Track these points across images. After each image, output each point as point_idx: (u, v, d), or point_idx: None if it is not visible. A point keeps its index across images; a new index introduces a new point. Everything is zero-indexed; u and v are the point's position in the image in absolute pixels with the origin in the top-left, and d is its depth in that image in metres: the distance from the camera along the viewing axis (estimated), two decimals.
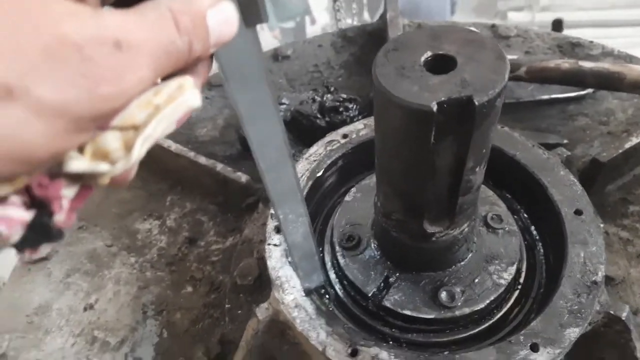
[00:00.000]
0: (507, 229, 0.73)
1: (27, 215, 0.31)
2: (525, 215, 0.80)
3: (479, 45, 0.52)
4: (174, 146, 1.10)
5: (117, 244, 1.09)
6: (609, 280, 0.79)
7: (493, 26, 1.34)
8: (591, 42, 1.22)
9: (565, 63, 1.03)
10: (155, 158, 1.14)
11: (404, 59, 0.53)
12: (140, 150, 0.33)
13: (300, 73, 1.39)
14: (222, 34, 0.35)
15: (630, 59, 1.18)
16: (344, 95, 1.11)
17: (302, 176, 0.84)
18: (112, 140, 0.32)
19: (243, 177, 1.01)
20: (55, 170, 0.33)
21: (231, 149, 1.22)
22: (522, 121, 1.12)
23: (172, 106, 0.33)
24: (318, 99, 1.13)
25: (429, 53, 0.52)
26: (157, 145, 1.11)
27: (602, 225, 0.88)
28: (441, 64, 0.51)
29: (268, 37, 6.22)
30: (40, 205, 0.34)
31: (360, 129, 0.90)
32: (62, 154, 0.31)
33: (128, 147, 0.32)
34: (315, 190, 0.85)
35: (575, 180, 0.73)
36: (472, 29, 0.54)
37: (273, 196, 0.51)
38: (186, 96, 0.34)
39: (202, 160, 1.07)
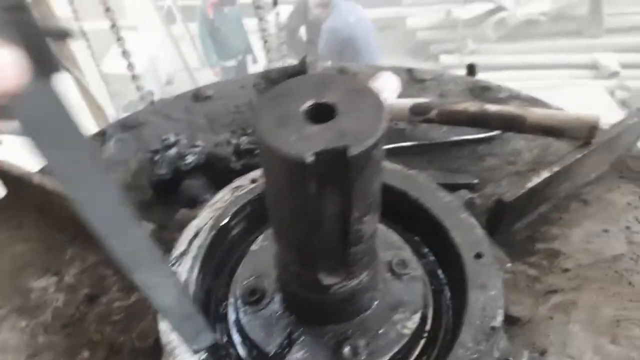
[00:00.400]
0: (412, 274, 0.71)
1: None
2: (433, 258, 0.79)
3: (361, 94, 0.52)
4: None
5: (7, 305, 0.97)
6: (515, 320, 0.79)
7: (409, 70, 1.39)
8: (499, 85, 1.29)
9: (473, 106, 1.07)
10: (55, 206, 1.05)
11: (286, 107, 0.51)
12: None
13: (222, 114, 1.36)
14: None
15: (534, 101, 1.26)
16: None
17: (205, 225, 0.79)
18: None
19: (148, 226, 0.94)
20: None
21: (143, 195, 1.15)
22: (435, 162, 1.15)
23: None
24: (234, 141, 1.10)
25: (311, 102, 0.50)
26: (56, 192, 1.02)
27: (509, 265, 0.89)
28: (322, 113, 0.50)
29: (209, 75, 6.22)
30: None
31: None
32: None
33: None
34: (220, 239, 0.81)
35: (476, 223, 0.74)
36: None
37: (123, 263, 0.46)
38: None
39: None
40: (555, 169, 0.95)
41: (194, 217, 0.79)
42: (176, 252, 0.75)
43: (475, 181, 1.08)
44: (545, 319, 0.86)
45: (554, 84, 5.44)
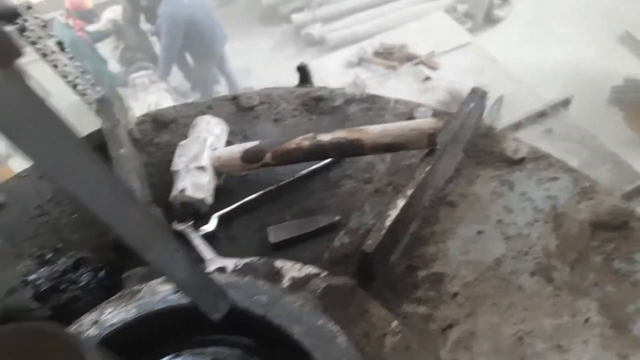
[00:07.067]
0: None
1: None
2: None
3: None
4: None
5: None
6: None
7: (234, 98, 1.19)
8: (332, 91, 1.15)
9: (305, 140, 0.93)
10: None
11: None
12: None
13: (22, 222, 1.06)
14: None
15: (373, 100, 1.14)
16: (64, 261, 0.84)
17: None
18: None
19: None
20: None
21: None
22: (291, 206, 1.00)
23: None
24: (33, 276, 0.84)
25: None
26: None
27: (395, 323, 0.78)
28: None
29: None
30: None
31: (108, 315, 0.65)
32: None
33: None
34: None
35: (334, 330, 0.60)
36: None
37: (135, 244, 0.45)
38: None
39: None
40: (409, 192, 0.84)
41: None
42: None
43: (337, 218, 0.95)
44: None
45: (399, 17, 5.57)
